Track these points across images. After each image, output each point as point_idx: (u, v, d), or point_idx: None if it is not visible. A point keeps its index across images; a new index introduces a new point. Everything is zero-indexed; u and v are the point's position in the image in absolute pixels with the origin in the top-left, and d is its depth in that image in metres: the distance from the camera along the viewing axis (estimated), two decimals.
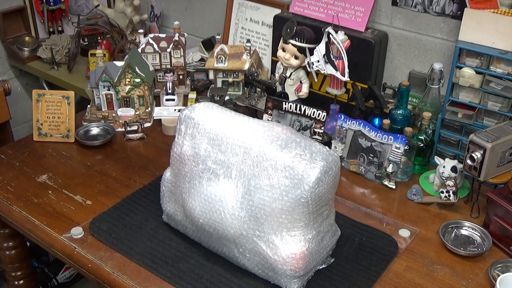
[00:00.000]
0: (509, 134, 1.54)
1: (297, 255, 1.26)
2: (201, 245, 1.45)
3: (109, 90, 1.98)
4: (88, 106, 2.08)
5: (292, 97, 2.02)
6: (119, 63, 2.00)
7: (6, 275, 1.94)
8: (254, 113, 1.96)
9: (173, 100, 2.11)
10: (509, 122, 1.60)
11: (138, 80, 1.97)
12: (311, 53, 1.88)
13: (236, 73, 2.16)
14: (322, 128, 1.72)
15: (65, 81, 2.47)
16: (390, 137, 1.68)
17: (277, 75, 2.06)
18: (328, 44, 1.82)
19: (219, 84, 2.19)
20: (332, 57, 1.82)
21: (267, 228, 1.27)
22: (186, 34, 2.23)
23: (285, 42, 1.94)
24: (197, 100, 2.14)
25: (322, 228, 1.33)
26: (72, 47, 2.48)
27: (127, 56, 2.03)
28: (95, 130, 1.98)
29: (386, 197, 1.68)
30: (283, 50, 1.97)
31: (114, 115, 2.01)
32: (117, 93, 1.98)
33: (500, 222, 1.47)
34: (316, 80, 1.98)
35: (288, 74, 2.00)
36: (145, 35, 2.25)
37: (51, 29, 2.71)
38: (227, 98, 2.10)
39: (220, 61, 2.14)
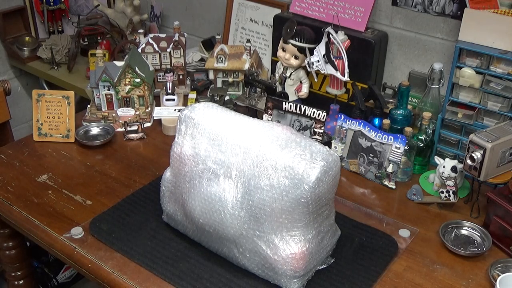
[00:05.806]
0: (509, 134, 1.54)
1: (297, 255, 1.26)
2: (201, 245, 1.45)
3: (109, 90, 1.98)
4: (88, 106, 2.08)
5: (292, 97, 2.02)
6: (119, 63, 2.00)
7: (6, 275, 1.94)
8: (254, 113, 1.96)
9: (173, 100, 2.11)
10: (509, 122, 1.60)
11: (138, 80, 1.97)
12: (311, 53, 1.88)
13: (236, 73, 2.16)
14: (322, 128, 1.72)
15: (65, 81, 2.48)
16: (390, 137, 1.68)
17: (277, 75, 2.06)
18: (328, 44, 1.82)
19: (219, 84, 2.19)
20: (332, 57, 1.82)
21: (267, 228, 1.27)
22: (186, 34, 2.23)
23: (285, 42, 1.94)
24: (197, 100, 2.14)
25: (322, 228, 1.33)
26: (72, 47, 2.48)
27: (127, 56, 2.03)
28: (95, 130, 1.98)
29: (386, 197, 1.68)
30: (283, 50, 1.97)
31: (114, 115, 2.01)
32: (117, 93, 1.98)
33: (500, 222, 1.47)
34: (316, 80, 1.98)
35: (288, 74, 2.00)
36: (145, 35, 2.25)
37: (51, 29, 2.71)
38: (227, 98, 2.10)
39: (220, 61, 2.14)
